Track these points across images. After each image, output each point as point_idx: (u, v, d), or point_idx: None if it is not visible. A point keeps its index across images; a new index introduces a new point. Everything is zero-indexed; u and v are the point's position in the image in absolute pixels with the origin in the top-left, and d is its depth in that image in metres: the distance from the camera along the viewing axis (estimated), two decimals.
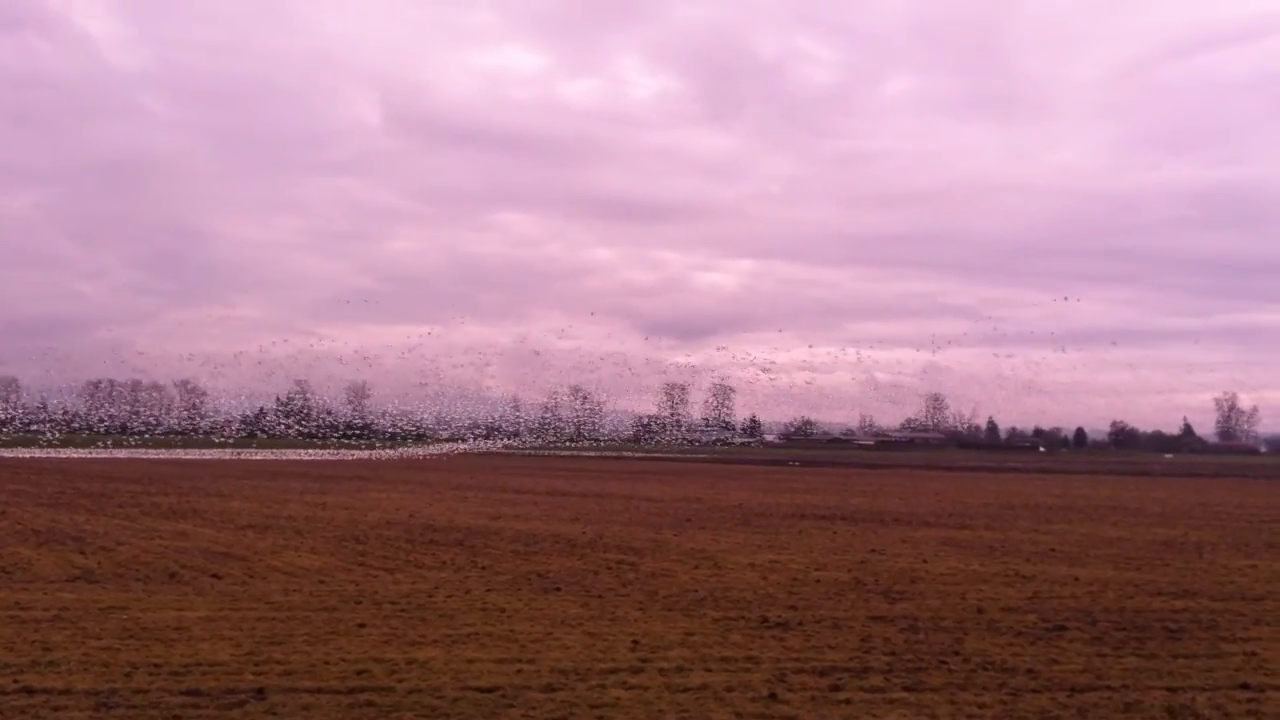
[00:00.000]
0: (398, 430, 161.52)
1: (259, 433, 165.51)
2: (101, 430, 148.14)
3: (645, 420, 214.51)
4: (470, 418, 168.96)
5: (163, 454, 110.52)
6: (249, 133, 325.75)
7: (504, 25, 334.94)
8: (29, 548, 25.02)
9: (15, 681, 12.09)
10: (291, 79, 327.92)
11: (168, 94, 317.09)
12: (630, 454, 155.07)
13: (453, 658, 13.60)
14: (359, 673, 12.75)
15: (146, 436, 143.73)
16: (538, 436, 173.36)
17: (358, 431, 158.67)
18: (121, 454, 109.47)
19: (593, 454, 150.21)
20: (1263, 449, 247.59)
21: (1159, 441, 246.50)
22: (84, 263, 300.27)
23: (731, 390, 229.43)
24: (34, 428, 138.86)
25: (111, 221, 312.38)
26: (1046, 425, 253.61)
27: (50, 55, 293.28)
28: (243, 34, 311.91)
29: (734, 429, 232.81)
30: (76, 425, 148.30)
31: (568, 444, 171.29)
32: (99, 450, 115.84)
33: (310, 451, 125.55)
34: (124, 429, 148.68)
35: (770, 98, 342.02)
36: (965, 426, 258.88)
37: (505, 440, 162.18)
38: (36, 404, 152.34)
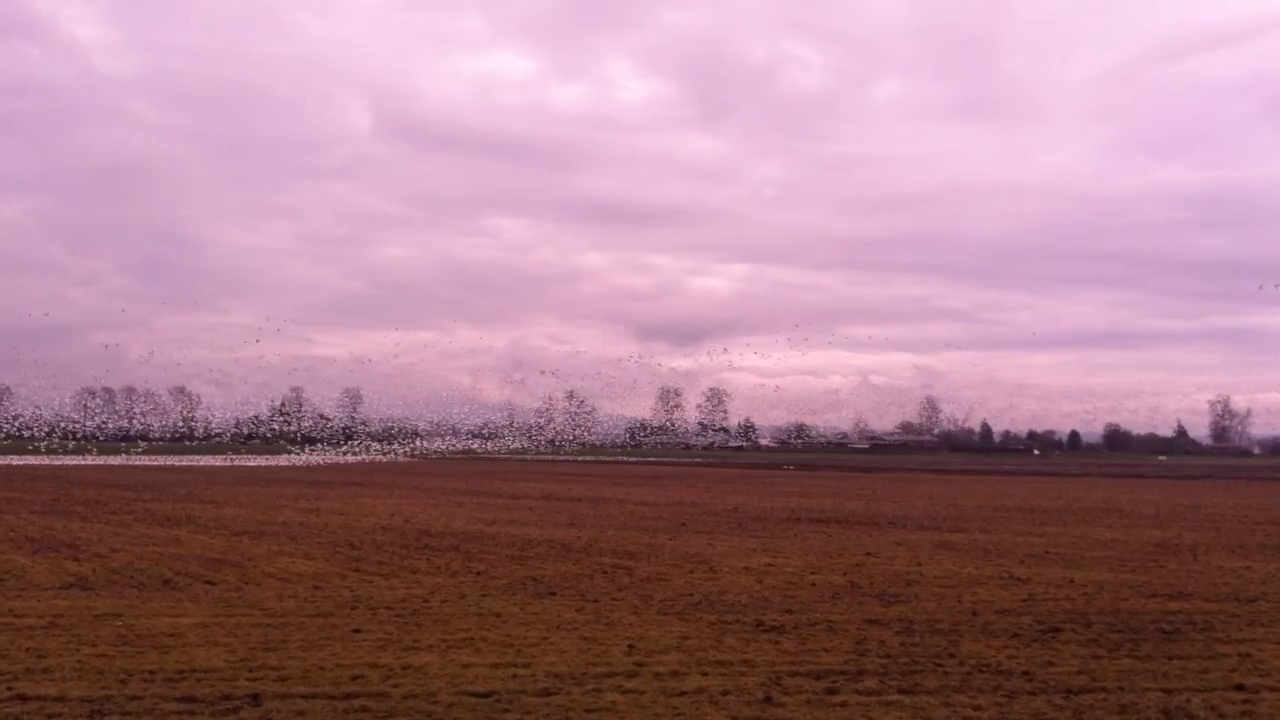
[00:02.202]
0: (386, 434, 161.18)
1: (250, 439, 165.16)
2: (95, 437, 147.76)
3: (640, 425, 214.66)
4: (464, 421, 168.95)
5: (156, 460, 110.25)
6: (240, 138, 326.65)
7: (494, 31, 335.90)
8: (23, 555, 24.95)
9: (9, 689, 12.07)
10: (281, 85, 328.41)
11: (158, 100, 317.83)
12: (625, 458, 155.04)
13: (448, 663, 13.59)
14: (354, 678, 12.74)
15: (142, 444, 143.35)
16: (527, 439, 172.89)
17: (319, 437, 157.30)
18: (115, 460, 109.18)
19: (589, 458, 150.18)
20: (1256, 451, 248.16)
21: (1152, 443, 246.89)
22: (76, 269, 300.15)
23: (726, 394, 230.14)
24: (26, 435, 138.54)
25: (103, 228, 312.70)
26: (1040, 428, 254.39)
27: (39, 61, 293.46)
28: (232, 40, 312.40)
29: (729, 433, 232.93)
30: (73, 431, 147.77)
31: (537, 449, 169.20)
32: (92, 457, 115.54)
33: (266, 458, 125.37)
34: (118, 436, 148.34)
35: (760, 102, 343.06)
36: (959, 429, 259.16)
37: (450, 441, 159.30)
38: (29, 412, 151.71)
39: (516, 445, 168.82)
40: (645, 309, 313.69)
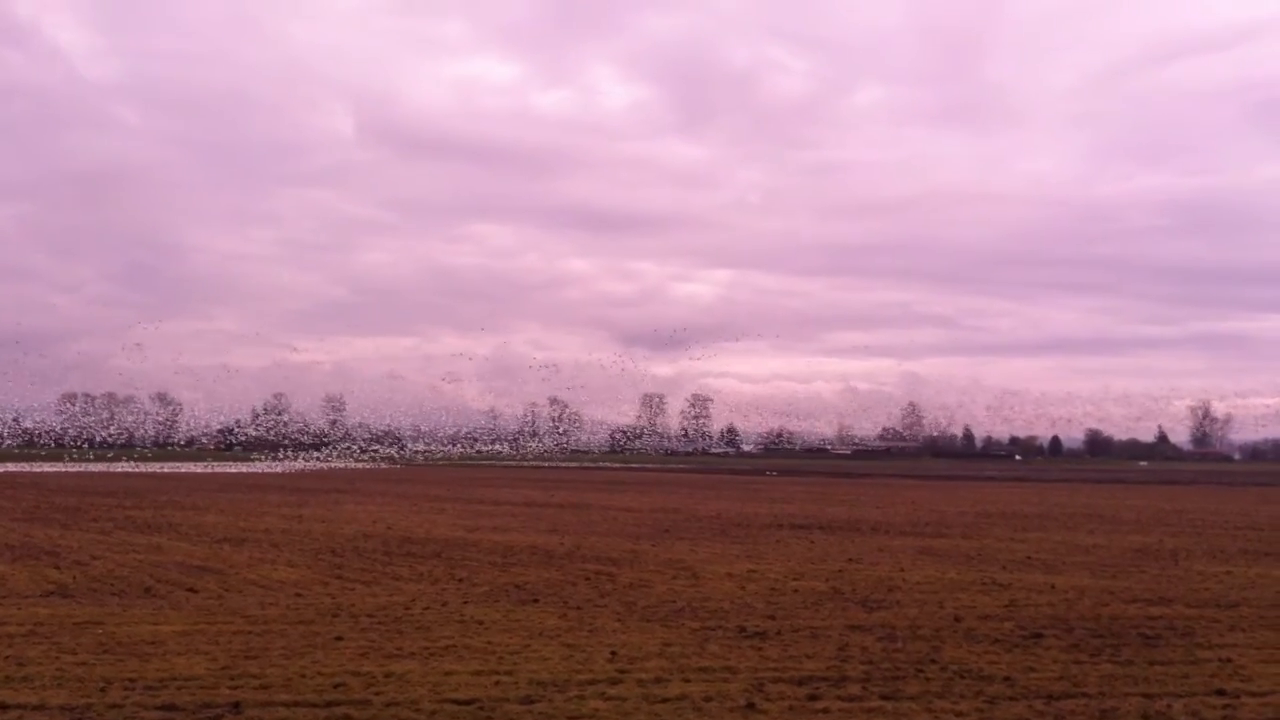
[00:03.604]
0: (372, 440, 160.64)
1: (233, 445, 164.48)
2: (76, 444, 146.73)
3: (623, 430, 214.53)
4: (449, 427, 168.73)
5: (138, 467, 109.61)
6: (223, 144, 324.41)
7: (476, 36, 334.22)
8: (3, 563, 24.78)
9: None
10: (264, 90, 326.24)
11: (141, 105, 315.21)
12: (608, 464, 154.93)
13: (430, 670, 13.56)
14: (336, 686, 12.70)
15: (134, 451, 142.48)
16: (510, 445, 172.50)
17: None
18: (96, 468, 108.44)
19: (572, 464, 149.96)
20: (1236, 456, 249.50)
21: (1134, 449, 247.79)
22: (58, 275, 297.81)
23: (709, 400, 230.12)
24: (5, 444, 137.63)
25: (86, 234, 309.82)
26: (1022, 433, 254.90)
27: (22, 66, 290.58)
28: (215, 45, 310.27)
29: (711, 439, 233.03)
30: (56, 438, 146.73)
31: (486, 455, 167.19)
32: (73, 464, 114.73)
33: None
34: (99, 442, 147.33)
35: (743, 108, 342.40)
36: (942, 435, 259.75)
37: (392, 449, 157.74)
38: (9, 417, 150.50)
39: (499, 451, 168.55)
40: (629, 315, 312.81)
